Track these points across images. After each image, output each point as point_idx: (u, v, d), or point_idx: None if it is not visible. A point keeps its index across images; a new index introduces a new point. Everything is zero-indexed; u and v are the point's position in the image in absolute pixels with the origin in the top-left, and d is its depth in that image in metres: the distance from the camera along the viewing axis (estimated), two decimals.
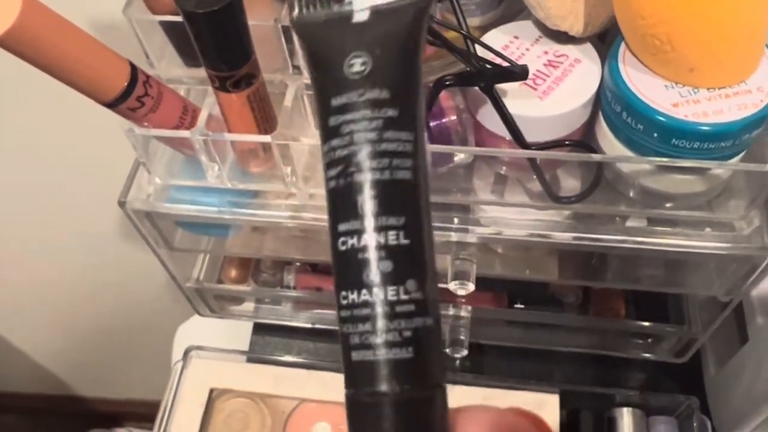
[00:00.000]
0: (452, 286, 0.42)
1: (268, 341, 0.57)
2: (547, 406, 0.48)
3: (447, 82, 0.35)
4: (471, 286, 0.42)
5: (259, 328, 0.58)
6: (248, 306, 0.58)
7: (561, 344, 0.54)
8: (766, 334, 0.43)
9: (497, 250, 0.47)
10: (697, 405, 0.47)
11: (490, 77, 0.34)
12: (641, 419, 0.48)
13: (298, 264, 0.56)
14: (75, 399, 1.22)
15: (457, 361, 0.55)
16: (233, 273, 0.55)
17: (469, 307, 0.51)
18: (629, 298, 0.53)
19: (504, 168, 0.42)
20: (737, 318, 0.52)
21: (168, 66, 0.43)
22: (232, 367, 0.52)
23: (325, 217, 0.42)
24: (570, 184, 0.42)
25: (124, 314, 0.96)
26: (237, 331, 0.58)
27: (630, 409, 0.48)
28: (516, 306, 0.53)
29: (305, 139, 0.40)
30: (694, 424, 0.47)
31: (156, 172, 0.43)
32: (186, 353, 0.52)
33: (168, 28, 0.40)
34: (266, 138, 0.38)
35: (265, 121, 0.39)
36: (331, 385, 0.50)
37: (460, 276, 0.42)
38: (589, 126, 0.40)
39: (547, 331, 0.54)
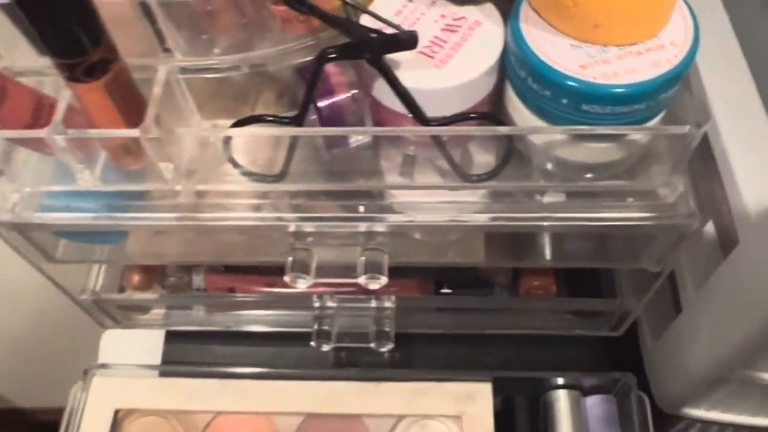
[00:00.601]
0: (362, 280, 0.38)
1: (181, 349, 0.53)
2: (479, 395, 0.45)
3: (330, 56, 0.31)
4: (383, 279, 0.38)
5: (172, 336, 0.53)
6: (158, 313, 0.53)
7: (493, 327, 0.51)
8: (699, 303, 0.41)
9: (415, 236, 0.43)
10: (634, 382, 0.44)
11: (375, 47, 0.30)
12: (577, 400, 0.46)
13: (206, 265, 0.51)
14: (16, 411, 1.16)
15: (386, 354, 0.52)
16: (136, 279, 0.51)
17: (393, 298, 0.48)
18: (560, 274, 0.50)
19: (412, 148, 0.38)
20: (672, 288, 0.50)
21: (23, 56, 0.38)
22: (139, 384, 0.47)
23: (222, 214, 0.38)
24: (484, 159, 0.38)
25: (50, 320, 0.90)
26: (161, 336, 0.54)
27: (566, 391, 0.46)
28: (443, 291, 0.50)
29: (184, 130, 0.36)
30: (632, 402, 0.44)
31: (20, 179, 0.37)
32: (85, 372, 0.47)
33: (8, 11, 0.34)
34: (133, 132, 0.33)
35: (133, 112, 0.34)
36: (248, 395, 0.46)
37: (371, 269, 0.38)
38: (499, 95, 0.36)
39: (477, 315, 0.51)
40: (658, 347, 0.48)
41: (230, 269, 0.51)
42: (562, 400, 0.45)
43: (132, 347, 0.54)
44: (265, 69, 0.37)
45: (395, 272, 0.49)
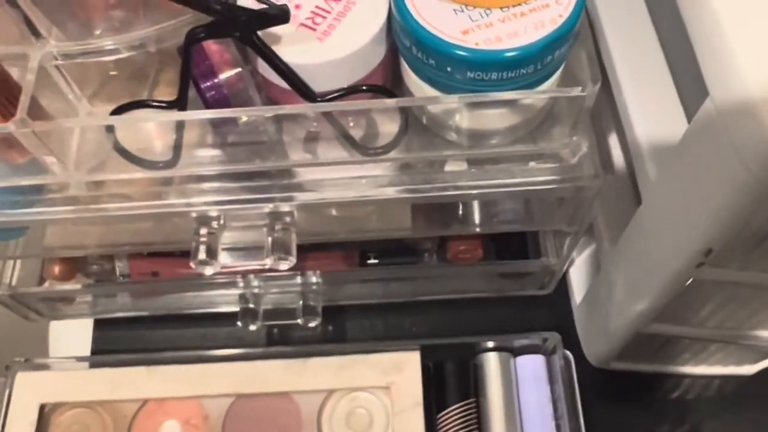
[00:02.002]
0: (270, 261, 0.37)
1: (110, 337, 0.52)
2: (407, 364, 0.44)
3: (199, 36, 0.29)
4: (291, 259, 0.37)
5: (100, 324, 0.52)
6: (84, 302, 0.52)
7: (423, 294, 0.51)
8: (613, 260, 0.41)
9: (332, 213, 0.42)
10: (559, 340, 0.44)
11: (245, 24, 0.29)
12: (507, 361, 0.46)
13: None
14: None
15: (318, 328, 0.51)
16: (57, 270, 0.49)
17: (318, 273, 0.47)
18: (487, 238, 0.50)
19: (315, 124, 0.37)
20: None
21: None
22: (64, 377, 0.46)
23: (120, 204, 0.37)
24: (390, 129, 0.37)
25: None
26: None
27: (495, 353, 0.46)
28: (369, 262, 0.49)
29: (66, 120, 0.34)
30: (557, 360, 0.45)
31: None
32: (7, 368, 0.46)
33: None
34: (4, 127, 0.31)
35: (11, 104, 0.33)
36: (175, 380, 0.46)
37: (278, 248, 0.37)
38: (395, 66, 0.35)
39: (406, 283, 0.51)
40: (583, 304, 0.48)
41: (153, 253, 0.50)
42: (491, 362, 0.45)
43: (77, 337, 0.53)
44: (163, 47, 0.36)
45: (319, 246, 0.49)
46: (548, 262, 0.46)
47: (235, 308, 0.48)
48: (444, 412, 0.44)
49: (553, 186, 0.36)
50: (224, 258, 0.38)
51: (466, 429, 0.43)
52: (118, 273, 0.50)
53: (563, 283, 0.52)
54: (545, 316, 0.51)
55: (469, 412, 0.44)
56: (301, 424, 0.45)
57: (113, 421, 0.46)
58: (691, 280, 0.33)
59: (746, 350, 0.46)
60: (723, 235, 0.28)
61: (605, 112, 0.42)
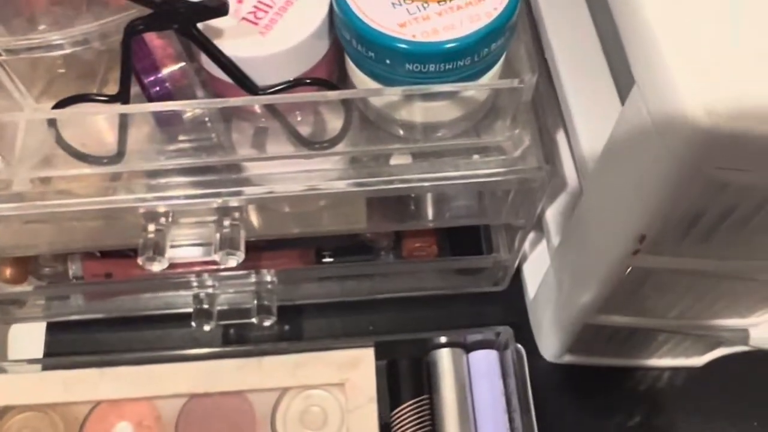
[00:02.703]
0: (218, 257, 0.37)
1: (64, 340, 0.51)
2: (362, 361, 0.45)
3: (137, 29, 0.29)
4: (240, 255, 0.38)
5: (54, 327, 0.52)
6: (36, 305, 0.51)
7: (379, 292, 0.51)
8: (559, 254, 0.42)
9: (285, 209, 0.43)
10: (511, 334, 0.44)
11: (183, 17, 0.29)
12: (460, 357, 0.46)
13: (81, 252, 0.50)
14: None
15: (275, 327, 0.51)
16: (8, 272, 0.49)
17: (273, 271, 0.47)
18: (441, 235, 0.51)
19: (263, 119, 0.37)
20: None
21: None
22: (14, 380, 0.46)
23: (66, 201, 0.37)
24: (337, 125, 0.38)
25: None
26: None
27: (448, 349, 0.46)
28: (325, 261, 0.50)
29: (6, 114, 0.34)
30: (510, 354, 0.45)
31: None
32: None
33: None
34: None
35: None
36: (128, 381, 0.45)
37: (227, 245, 0.37)
38: (341, 62, 0.36)
39: (363, 281, 0.51)
40: (535, 299, 0.49)
41: (106, 254, 0.50)
42: (444, 358, 0.45)
43: (29, 341, 0.52)
44: (111, 43, 0.36)
45: (274, 245, 0.49)
46: (500, 258, 0.47)
47: (191, 309, 0.48)
48: (398, 409, 0.44)
49: (498, 178, 0.36)
50: (172, 254, 0.37)
51: (420, 425, 0.43)
52: (71, 275, 0.50)
53: (517, 280, 0.52)
54: (500, 312, 0.52)
55: (423, 408, 0.44)
56: (256, 422, 0.45)
57: (64, 424, 0.45)
58: (629, 269, 0.34)
59: (695, 341, 0.47)
60: (654, 220, 0.29)
61: (552, 109, 0.42)
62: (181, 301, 0.50)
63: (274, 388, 0.45)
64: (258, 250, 0.50)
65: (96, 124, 0.36)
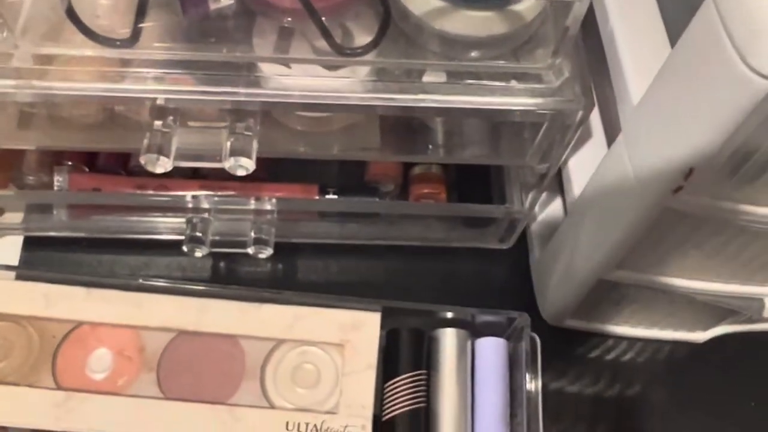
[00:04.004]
0: (228, 164, 0.35)
1: (42, 257, 0.48)
2: (366, 325, 0.42)
3: None
4: (250, 164, 0.35)
5: (31, 243, 0.48)
6: (15, 216, 0.48)
7: (381, 237, 0.49)
8: (581, 203, 0.40)
9: (296, 127, 0.40)
10: (528, 322, 0.41)
11: None
12: (465, 341, 0.42)
13: (70, 164, 0.47)
14: None
15: (269, 264, 0.49)
16: None
17: (274, 200, 0.45)
18: (451, 183, 0.49)
19: (288, 19, 0.35)
20: (562, 199, 0.49)
21: None
22: None
23: (68, 84, 0.34)
24: (365, 40, 0.35)
25: None
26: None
27: (454, 330, 0.42)
28: (329, 197, 0.47)
29: None
30: (523, 344, 0.41)
31: None
32: None
33: None
34: None
35: None
36: (115, 306, 0.42)
37: (237, 152, 0.35)
38: None
39: (364, 225, 0.49)
40: (544, 257, 0.47)
41: (96, 170, 0.47)
42: (449, 339, 0.42)
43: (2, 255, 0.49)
44: None
45: (277, 176, 0.46)
46: (513, 209, 0.45)
47: (181, 237, 0.45)
48: (394, 380, 0.41)
49: (534, 108, 0.34)
50: (178, 154, 0.35)
51: (414, 399, 0.41)
52: (56, 188, 0.46)
53: (523, 242, 0.51)
54: (503, 271, 0.50)
55: (419, 383, 0.41)
56: (244, 371, 0.42)
57: (40, 341, 0.42)
58: (663, 211, 0.32)
59: (702, 312, 0.45)
60: (710, 148, 0.27)
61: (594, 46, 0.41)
62: (171, 227, 0.48)
63: (269, 338, 0.42)
64: (260, 181, 0.47)
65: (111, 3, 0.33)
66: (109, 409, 0.39)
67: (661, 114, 0.31)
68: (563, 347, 0.48)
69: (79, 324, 0.43)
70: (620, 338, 0.49)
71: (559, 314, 0.47)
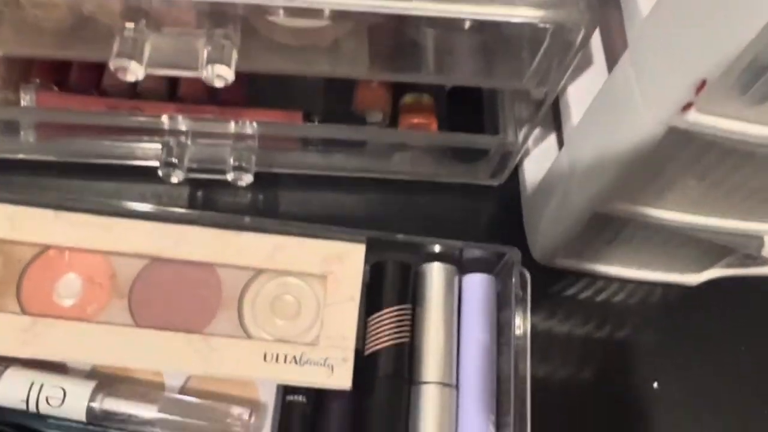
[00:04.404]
0: (204, 73, 0.32)
1: (7, 182, 0.45)
2: (349, 256, 0.40)
3: None
4: (229, 74, 0.33)
5: None
6: None
7: (366, 170, 0.47)
8: (580, 132, 0.38)
9: (280, 41, 0.37)
10: (518, 258, 0.40)
11: None
12: (453, 276, 0.41)
13: (37, 81, 0.44)
14: None
15: (248, 195, 0.47)
16: None
17: (255, 124, 0.42)
18: (442, 113, 0.47)
19: None
20: (558, 135, 0.48)
21: None
22: None
23: None
24: None
25: None
26: None
27: (441, 264, 0.41)
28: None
29: None
30: (513, 280, 0.39)
31: None
32: None
33: None
34: None
35: None
36: (85, 230, 0.40)
37: (215, 60, 0.32)
38: None
39: (350, 155, 0.46)
40: (537, 191, 0.45)
41: (65, 89, 0.44)
42: (435, 273, 0.40)
43: None
44: None
45: (259, 100, 0.44)
46: (507, 140, 0.43)
47: (157, 163, 0.43)
48: (377, 314, 0.39)
49: (534, 21, 0.32)
50: (151, 61, 0.32)
51: (398, 334, 0.39)
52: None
53: (513, 180, 0.49)
54: (493, 207, 0.49)
55: (404, 318, 0.39)
56: (221, 300, 0.40)
57: (4, 264, 0.40)
58: (668, 131, 0.31)
59: (695, 254, 0.44)
60: (724, 59, 0.25)
61: None
62: (147, 152, 0.45)
63: (247, 267, 0.40)
64: (240, 105, 0.45)
65: None
66: (78, 335, 0.38)
67: (673, 24, 0.28)
68: (553, 287, 0.47)
69: (46, 248, 0.40)
70: (611, 279, 0.47)
71: (550, 253, 0.45)
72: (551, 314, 0.46)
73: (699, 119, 0.29)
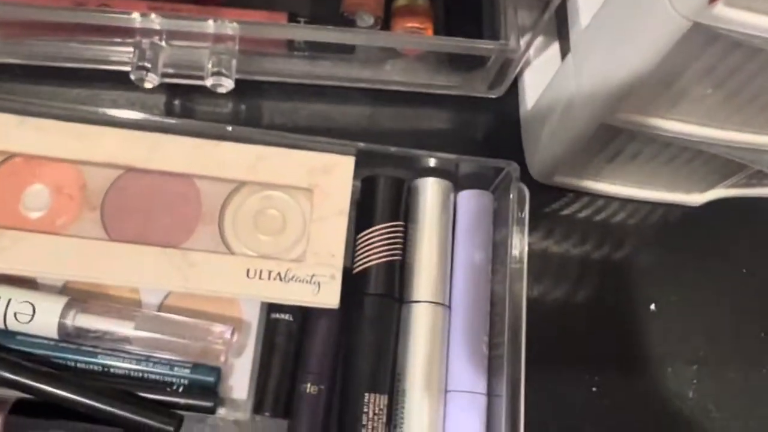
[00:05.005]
0: None
1: None
2: (337, 168, 0.37)
3: None
4: None
5: None
6: None
7: (356, 79, 0.44)
8: (588, 36, 0.35)
9: None
10: (517, 172, 0.37)
11: None
12: (448, 192, 0.39)
13: None
14: None
15: (229, 104, 0.44)
16: None
17: (236, 24, 0.39)
18: (438, 18, 0.43)
19: None
20: (562, 43, 0.45)
21: None
22: None
23: None
24: None
25: None
26: None
27: (436, 180, 0.38)
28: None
29: None
30: (511, 196, 0.37)
31: None
32: None
33: None
34: None
35: None
36: (53, 137, 0.37)
37: None
38: None
39: (339, 62, 0.43)
40: (537, 105, 0.43)
41: None
42: (430, 189, 0.38)
43: None
44: None
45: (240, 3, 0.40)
46: (507, 47, 0.40)
47: (128, 68, 0.40)
48: (368, 230, 0.37)
49: None
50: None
51: (390, 251, 0.37)
52: None
53: (513, 92, 0.46)
54: (490, 121, 0.46)
55: (396, 235, 0.37)
56: (200, 214, 0.37)
57: None
58: (690, 27, 0.28)
59: (700, 172, 0.42)
60: None
61: None
62: (119, 56, 0.42)
63: (228, 179, 0.37)
64: (220, 4, 0.41)
65: None
66: (48, 249, 0.35)
67: None
68: (550, 206, 0.45)
69: (10, 156, 0.38)
70: (611, 198, 0.45)
71: (549, 170, 0.43)
72: (548, 234, 0.44)
73: (726, 13, 0.26)
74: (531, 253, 0.39)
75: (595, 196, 0.45)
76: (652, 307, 0.43)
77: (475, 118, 0.46)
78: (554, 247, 0.44)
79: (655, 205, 0.45)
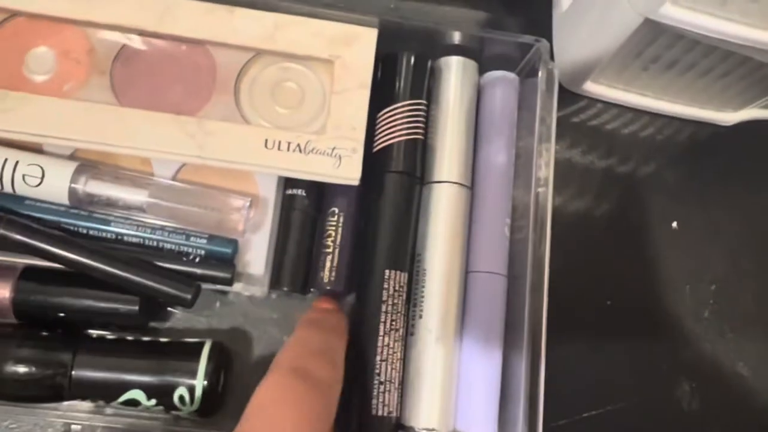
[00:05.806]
0: None
1: None
2: (359, 40, 0.35)
3: None
4: None
5: None
6: None
7: None
8: None
9: None
10: (547, 49, 0.35)
11: None
12: (473, 71, 0.37)
13: None
14: None
15: None
16: None
17: None
18: None
19: None
20: None
21: None
22: None
23: None
24: None
25: None
26: None
27: (461, 58, 0.37)
28: None
29: None
30: (540, 74, 0.35)
31: None
32: None
33: None
34: None
35: None
36: None
37: None
38: None
39: None
40: (574, 5, 0.41)
41: None
42: (454, 69, 0.36)
43: None
44: None
45: None
46: None
47: None
48: (388, 109, 0.35)
49: None
50: None
51: (411, 129, 0.35)
52: None
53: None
54: (521, 23, 0.44)
55: (418, 114, 0.36)
56: (214, 83, 0.35)
57: None
58: None
59: (735, 89, 0.40)
60: None
61: None
62: None
63: (244, 47, 0.35)
64: None
65: None
66: (55, 112, 0.33)
67: None
68: (578, 116, 0.43)
69: (12, 14, 0.35)
70: (641, 112, 0.43)
71: (581, 74, 0.41)
72: (573, 143, 0.43)
73: None
74: (555, 162, 0.37)
75: (624, 108, 0.43)
76: (674, 224, 0.42)
77: (506, 18, 0.44)
78: (578, 157, 0.43)
79: (684, 122, 0.44)
